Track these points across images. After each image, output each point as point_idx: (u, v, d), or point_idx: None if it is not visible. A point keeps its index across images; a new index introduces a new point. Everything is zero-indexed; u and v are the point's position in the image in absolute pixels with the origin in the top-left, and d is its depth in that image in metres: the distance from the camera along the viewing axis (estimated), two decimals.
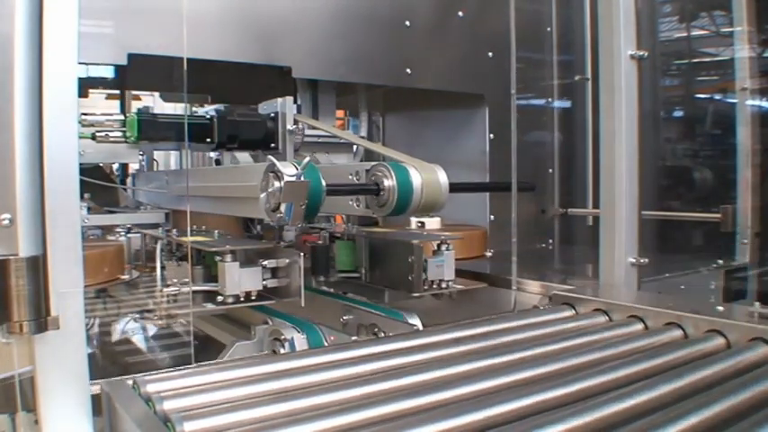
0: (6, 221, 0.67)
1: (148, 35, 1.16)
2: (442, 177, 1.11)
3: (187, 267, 1.12)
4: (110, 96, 1.79)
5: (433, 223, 1.59)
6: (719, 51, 1.92)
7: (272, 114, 1.34)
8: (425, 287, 1.21)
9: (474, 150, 1.72)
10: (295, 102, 1.39)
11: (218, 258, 1.09)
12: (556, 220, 1.87)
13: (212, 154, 1.61)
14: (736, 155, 1.71)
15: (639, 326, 0.97)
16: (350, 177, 1.16)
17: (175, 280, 1.12)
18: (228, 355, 1.12)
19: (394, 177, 1.07)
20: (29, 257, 0.68)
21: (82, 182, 0.73)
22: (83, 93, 1.58)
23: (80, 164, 0.72)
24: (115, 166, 1.94)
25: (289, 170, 0.94)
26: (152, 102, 1.98)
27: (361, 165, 1.18)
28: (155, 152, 1.75)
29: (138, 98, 1.91)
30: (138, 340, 1.61)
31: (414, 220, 1.52)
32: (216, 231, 1.29)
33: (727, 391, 0.67)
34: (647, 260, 1.22)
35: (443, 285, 1.24)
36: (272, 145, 1.33)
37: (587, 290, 1.15)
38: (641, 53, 1.21)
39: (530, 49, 1.80)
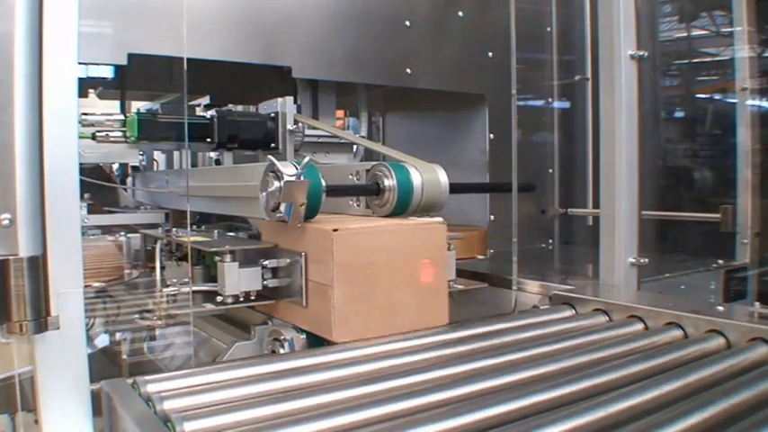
0: (6, 221, 0.67)
1: (148, 35, 1.16)
2: (443, 177, 1.11)
3: (186, 267, 1.12)
4: (104, 97, 1.78)
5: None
6: (719, 51, 1.92)
7: (272, 114, 1.34)
8: None
9: (474, 150, 1.72)
10: (295, 102, 1.39)
11: (217, 258, 1.09)
12: (556, 220, 1.87)
13: (212, 154, 1.61)
14: (736, 155, 1.71)
15: (639, 326, 0.97)
16: (350, 177, 1.16)
17: (174, 280, 1.11)
18: (228, 356, 1.12)
19: (394, 177, 1.07)
20: (29, 257, 0.68)
21: (82, 182, 0.73)
22: (83, 93, 1.58)
23: (80, 164, 0.72)
24: (115, 166, 1.94)
25: (289, 170, 0.94)
26: None
27: (361, 165, 1.18)
28: (155, 152, 1.75)
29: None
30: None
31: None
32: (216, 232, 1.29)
33: (727, 391, 0.67)
34: (647, 260, 1.22)
35: None
36: (272, 145, 1.33)
37: (587, 290, 1.15)
38: (641, 53, 1.22)
39: (530, 49, 1.80)
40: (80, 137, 1.08)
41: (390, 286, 0.91)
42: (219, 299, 1.07)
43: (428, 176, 1.09)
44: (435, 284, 0.96)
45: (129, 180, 1.88)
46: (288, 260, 1.09)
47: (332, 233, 0.87)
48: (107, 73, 1.58)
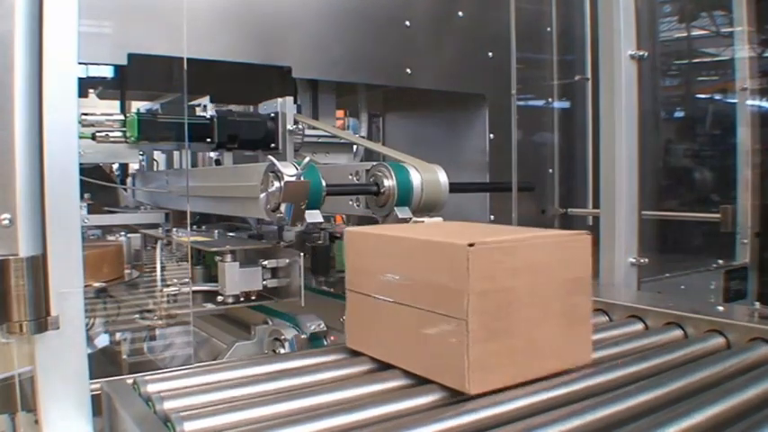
0: (6, 221, 0.67)
1: (148, 35, 1.16)
2: (442, 177, 1.11)
3: (186, 267, 1.12)
4: (104, 97, 1.78)
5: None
6: (719, 51, 1.92)
7: (272, 114, 1.34)
8: None
9: (474, 150, 1.72)
10: (295, 102, 1.39)
11: (218, 258, 1.09)
12: (556, 220, 1.87)
13: (212, 154, 1.61)
14: (736, 155, 1.71)
15: (639, 326, 0.97)
16: (350, 177, 1.16)
17: (175, 280, 1.12)
18: (228, 355, 1.12)
19: (394, 177, 1.07)
20: (29, 257, 0.68)
21: (82, 182, 0.73)
22: (83, 93, 1.58)
23: (80, 164, 0.72)
24: (115, 166, 1.94)
25: (289, 170, 0.94)
26: None
27: (361, 165, 1.18)
28: (155, 152, 1.75)
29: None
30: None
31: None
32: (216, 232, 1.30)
33: (727, 391, 0.67)
34: (647, 260, 1.22)
35: None
36: (272, 145, 1.33)
37: None
38: (641, 53, 1.22)
39: (530, 49, 1.80)
40: (80, 137, 1.08)
41: (531, 318, 0.71)
42: (220, 299, 1.07)
43: (428, 176, 1.09)
44: (580, 314, 0.76)
45: (129, 180, 1.89)
46: (287, 260, 1.09)
47: (467, 249, 0.66)
48: (107, 73, 1.58)
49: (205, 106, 1.73)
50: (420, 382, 0.71)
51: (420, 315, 0.71)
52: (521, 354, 0.70)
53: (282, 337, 1.10)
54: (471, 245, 0.66)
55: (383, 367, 0.77)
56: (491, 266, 0.67)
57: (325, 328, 1.12)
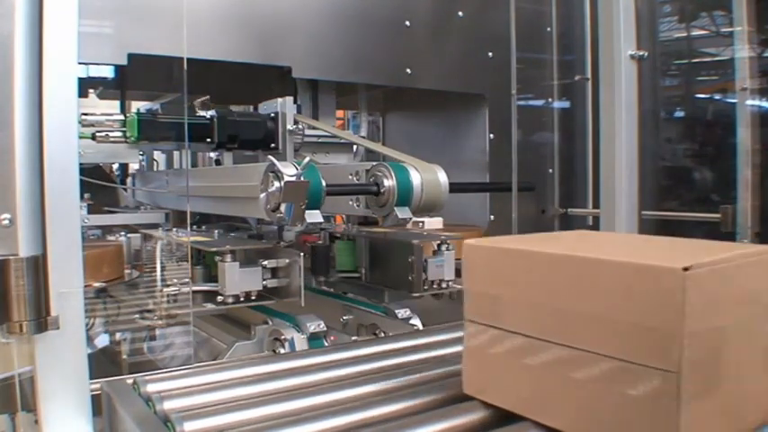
0: (6, 221, 0.67)
1: (148, 35, 1.16)
2: (442, 177, 1.11)
3: (186, 267, 1.12)
4: (104, 97, 1.78)
5: (434, 223, 1.59)
6: (719, 51, 1.92)
7: (272, 114, 1.34)
8: (425, 287, 1.21)
9: (474, 150, 1.72)
10: (295, 102, 1.39)
11: (217, 258, 1.09)
12: (556, 220, 1.87)
13: (212, 154, 1.61)
14: (736, 155, 1.71)
15: None
16: (350, 177, 1.16)
17: (175, 280, 1.12)
18: (228, 355, 1.12)
19: (394, 177, 1.07)
20: (29, 257, 0.68)
21: (82, 182, 0.73)
22: (83, 93, 1.58)
23: (80, 164, 0.72)
24: (115, 166, 1.94)
25: (289, 170, 0.94)
26: None
27: (361, 165, 1.18)
28: (155, 152, 1.75)
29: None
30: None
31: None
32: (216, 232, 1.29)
33: None
34: None
35: (443, 285, 1.24)
36: (272, 145, 1.33)
37: None
38: (641, 53, 1.22)
39: (530, 49, 1.80)
40: (80, 137, 1.08)
41: (742, 362, 0.55)
42: (220, 299, 1.07)
43: (428, 176, 1.09)
44: None
45: (129, 180, 1.89)
46: (287, 260, 1.09)
47: (682, 274, 0.48)
48: (107, 73, 1.58)
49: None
50: None
51: (589, 361, 0.53)
52: (732, 410, 0.55)
53: (282, 337, 1.10)
54: (686, 269, 0.48)
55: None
56: (707, 298, 0.50)
57: (324, 329, 1.12)
